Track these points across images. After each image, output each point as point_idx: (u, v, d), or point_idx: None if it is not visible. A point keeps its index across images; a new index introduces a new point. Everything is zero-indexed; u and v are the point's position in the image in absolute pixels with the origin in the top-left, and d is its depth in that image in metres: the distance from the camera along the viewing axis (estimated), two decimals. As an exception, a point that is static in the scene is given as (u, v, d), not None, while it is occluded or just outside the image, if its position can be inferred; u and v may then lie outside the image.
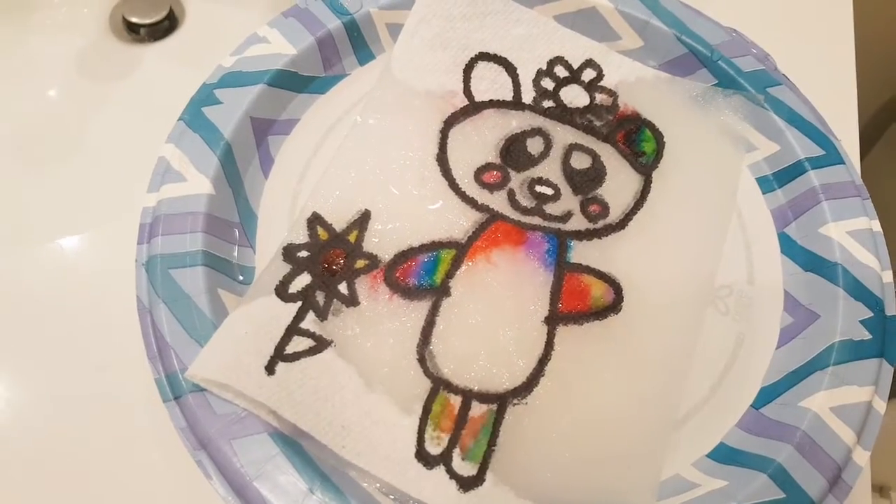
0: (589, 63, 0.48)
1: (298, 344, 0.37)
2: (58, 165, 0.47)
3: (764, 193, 0.45)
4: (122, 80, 0.51)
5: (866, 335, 0.38)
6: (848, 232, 0.41)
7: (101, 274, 0.43)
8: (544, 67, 0.47)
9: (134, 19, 0.51)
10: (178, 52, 0.52)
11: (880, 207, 0.43)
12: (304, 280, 0.39)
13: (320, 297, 0.39)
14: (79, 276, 0.44)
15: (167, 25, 0.52)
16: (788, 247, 0.43)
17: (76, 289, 0.43)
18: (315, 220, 0.41)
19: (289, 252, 0.40)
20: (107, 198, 0.46)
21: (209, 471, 0.34)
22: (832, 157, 0.44)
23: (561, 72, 0.47)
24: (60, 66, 0.51)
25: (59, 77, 0.51)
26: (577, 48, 0.48)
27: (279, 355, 0.36)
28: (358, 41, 0.47)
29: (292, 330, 0.37)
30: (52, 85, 0.50)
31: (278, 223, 0.42)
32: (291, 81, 0.45)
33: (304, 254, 0.40)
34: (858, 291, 0.40)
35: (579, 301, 0.40)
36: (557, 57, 0.47)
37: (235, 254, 0.41)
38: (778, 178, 0.45)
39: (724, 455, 0.37)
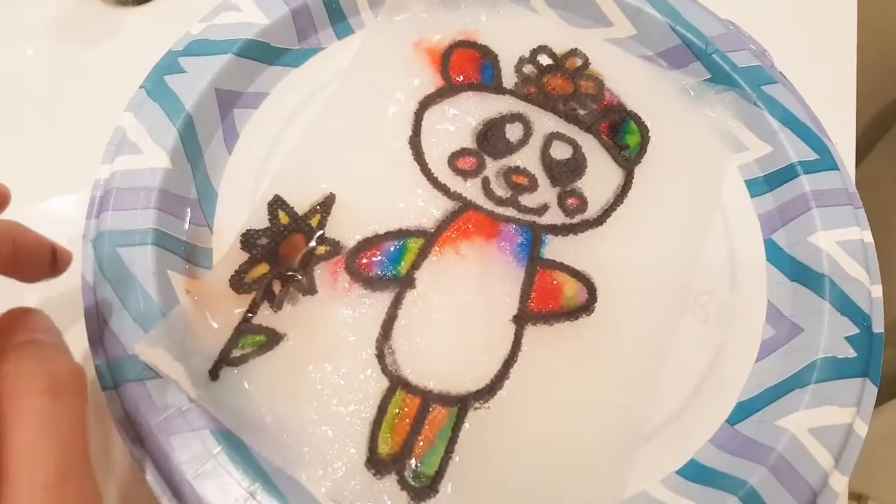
0: (574, 52, 0.45)
1: (247, 343, 0.35)
2: (29, 131, 0.45)
3: (752, 197, 0.43)
4: (103, 44, 0.48)
5: (851, 353, 0.36)
6: (838, 242, 0.39)
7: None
8: (527, 55, 0.45)
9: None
10: (164, 15, 0.50)
11: (875, 213, 0.41)
12: (261, 269, 0.37)
13: (276, 287, 0.36)
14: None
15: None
16: (775, 254, 0.41)
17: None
18: (276, 204, 0.39)
19: (247, 239, 0.38)
20: (76, 166, 0.43)
21: (145, 466, 0.32)
22: (826, 162, 0.42)
23: (545, 60, 0.45)
24: (40, 28, 0.48)
25: (37, 38, 0.48)
26: (563, 36, 0.45)
27: (225, 359, 0.34)
28: (336, 13, 0.45)
29: (242, 329, 0.35)
30: (29, 46, 0.48)
31: (240, 202, 0.40)
32: (262, 52, 0.43)
33: (263, 241, 0.37)
34: (845, 306, 0.38)
35: (551, 300, 0.38)
36: (541, 45, 0.45)
37: (190, 233, 0.38)
38: (768, 181, 0.43)
39: (694, 473, 0.35)
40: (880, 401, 0.74)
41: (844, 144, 0.45)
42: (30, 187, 0.42)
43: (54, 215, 0.43)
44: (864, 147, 0.86)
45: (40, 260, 0.30)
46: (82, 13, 0.49)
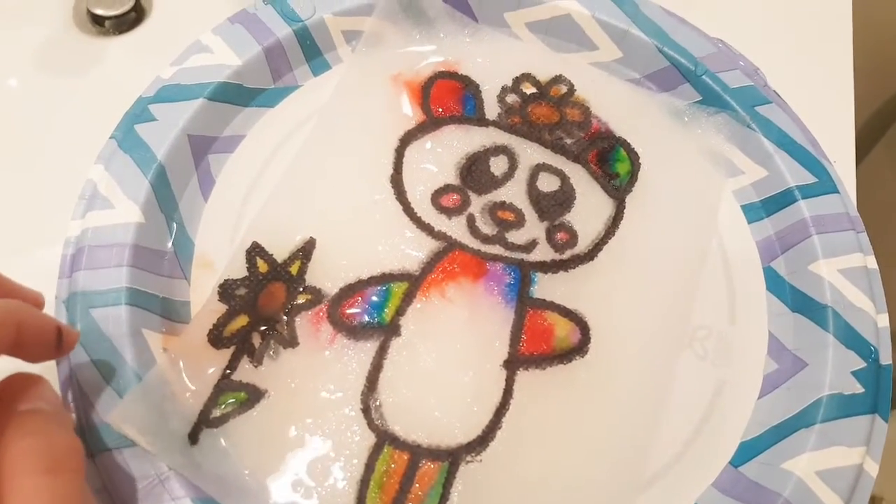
0: (559, 79, 0.44)
1: (228, 401, 0.33)
2: (6, 169, 0.43)
3: (750, 223, 0.41)
4: (84, 75, 0.47)
5: (858, 388, 0.35)
6: (840, 270, 0.38)
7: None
8: (510, 84, 0.43)
9: (99, 11, 0.48)
10: (144, 45, 0.48)
11: (875, 215, 0.40)
12: (240, 321, 0.35)
13: (256, 340, 0.35)
14: None
15: (133, 17, 0.49)
16: (775, 283, 0.40)
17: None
18: (254, 251, 0.37)
19: (225, 290, 0.36)
20: (56, 213, 0.41)
21: (124, 537, 0.31)
22: (825, 185, 0.40)
23: (528, 88, 0.43)
24: (21, 59, 0.47)
25: (18, 70, 0.47)
26: (546, 62, 0.44)
27: (205, 420, 0.33)
28: (311, 50, 0.44)
29: (222, 386, 0.34)
30: (10, 77, 0.47)
31: (218, 250, 0.38)
32: (236, 94, 0.41)
33: (241, 291, 0.36)
34: (850, 339, 0.36)
35: (542, 342, 0.37)
36: (524, 74, 0.44)
37: (166, 287, 0.37)
38: (766, 206, 0.41)
39: (700, 519, 0.34)
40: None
41: (844, 162, 0.44)
42: (6, 237, 0.41)
43: (31, 270, 0.41)
44: (863, 149, 0.84)
45: (45, 341, 0.28)
46: (62, 44, 0.48)
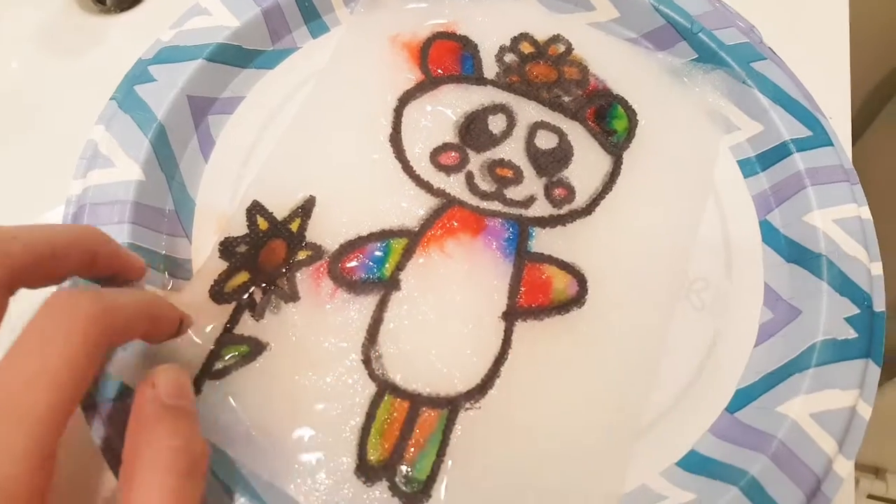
0: (557, 38, 0.44)
1: (230, 354, 0.34)
2: (13, 143, 0.44)
3: (746, 178, 0.42)
4: (86, 53, 0.47)
5: (851, 334, 0.35)
6: (834, 220, 0.38)
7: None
8: (508, 44, 0.44)
9: (100, -11, 0.48)
10: (146, 22, 0.48)
11: (874, 189, 0.40)
12: (241, 278, 0.36)
13: (257, 295, 0.35)
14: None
15: (135, -6, 0.49)
16: (770, 236, 0.40)
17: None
18: (254, 209, 0.38)
19: (226, 247, 0.37)
20: (60, 179, 0.42)
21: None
22: (819, 138, 0.40)
23: (526, 48, 0.44)
24: (22, 37, 0.47)
25: (20, 48, 0.47)
26: (544, 22, 0.44)
27: (207, 372, 0.33)
28: (309, 12, 0.44)
29: (223, 340, 0.34)
30: (11, 56, 0.47)
31: (219, 210, 0.39)
32: (235, 56, 0.42)
33: (242, 248, 0.37)
34: (844, 286, 0.36)
35: (540, 294, 0.37)
36: (522, 33, 0.44)
37: (168, 245, 0.37)
38: (761, 160, 0.42)
39: (694, 464, 0.34)
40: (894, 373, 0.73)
41: (840, 118, 0.44)
42: (13, 202, 0.41)
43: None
44: (863, 122, 0.84)
45: (169, 330, 0.31)
46: (65, 22, 0.48)
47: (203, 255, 0.37)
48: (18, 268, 0.25)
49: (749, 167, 0.42)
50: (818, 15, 0.50)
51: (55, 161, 0.40)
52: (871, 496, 0.94)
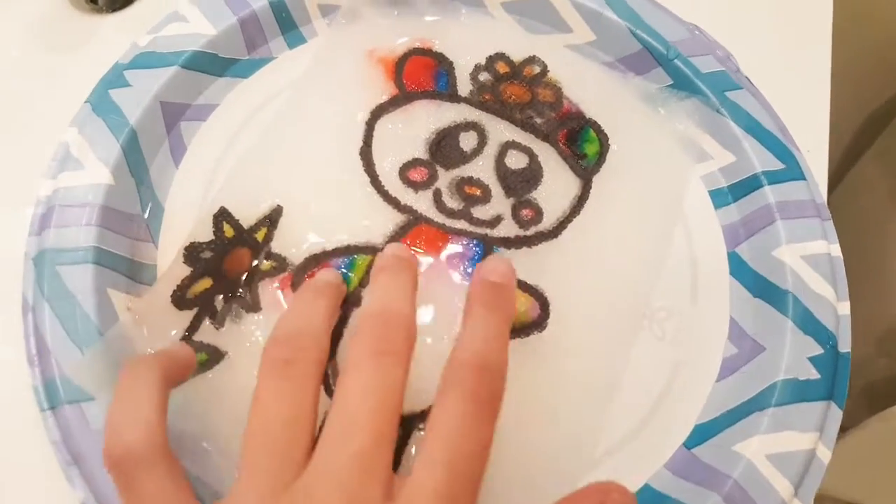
0: (532, 59, 0.44)
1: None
2: None
3: (717, 208, 0.42)
4: (77, 51, 0.47)
5: (814, 374, 0.35)
6: (803, 256, 0.38)
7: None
8: (483, 63, 0.44)
9: (92, -12, 0.48)
10: (137, 22, 0.48)
11: (866, 220, 0.40)
12: (204, 284, 0.36)
13: (219, 303, 0.36)
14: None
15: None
16: (738, 269, 0.40)
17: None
18: (221, 216, 0.38)
19: (191, 252, 0.37)
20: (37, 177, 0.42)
21: (78, 488, 0.31)
22: (792, 171, 0.40)
23: (502, 68, 0.44)
24: (14, 35, 0.47)
25: (11, 46, 0.47)
26: (521, 43, 0.44)
27: (163, 378, 0.33)
28: (286, 23, 0.44)
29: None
30: (2, 53, 0.47)
31: (187, 216, 0.39)
32: (210, 64, 0.42)
33: (207, 254, 0.37)
34: (808, 324, 0.36)
35: (501, 315, 0.37)
36: (498, 53, 0.44)
37: (134, 250, 0.37)
38: (733, 191, 0.42)
39: (647, 500, 0.34)
40: (880, 407, 0.73)
41: (817, 153, 0.43)
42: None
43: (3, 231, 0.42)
44: (850, 159, 0.84)
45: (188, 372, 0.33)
46: (56, 21, 0.48)
47: (168, 261, 0.37)
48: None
49: (721, 197, 0.42)
50: (800, 47, 0.50)
51: (34, 159, 0.40)
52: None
